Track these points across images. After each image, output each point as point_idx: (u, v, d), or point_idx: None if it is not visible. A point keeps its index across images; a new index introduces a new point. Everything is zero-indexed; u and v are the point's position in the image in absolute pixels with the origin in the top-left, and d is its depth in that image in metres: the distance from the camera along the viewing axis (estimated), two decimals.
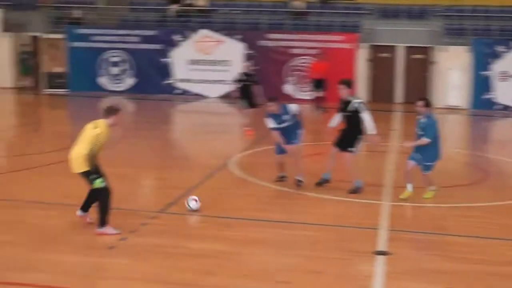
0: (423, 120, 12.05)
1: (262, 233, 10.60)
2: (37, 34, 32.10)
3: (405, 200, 12.30)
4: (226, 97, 28.71)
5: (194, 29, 30.14)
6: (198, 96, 29.71)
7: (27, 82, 31.63)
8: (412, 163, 12.29)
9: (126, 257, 9.27)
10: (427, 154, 12.12)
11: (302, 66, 28.66)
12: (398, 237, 10.45)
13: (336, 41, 28.49)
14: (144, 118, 24.92)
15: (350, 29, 29.22)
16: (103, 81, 31.07)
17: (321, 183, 13.17)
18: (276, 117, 12.86)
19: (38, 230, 10.26)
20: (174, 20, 31.36)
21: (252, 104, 20.01)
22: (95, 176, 9.82)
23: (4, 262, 9.10)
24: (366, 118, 12.57)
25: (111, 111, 10.07)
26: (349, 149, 12.80)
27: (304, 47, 28.81)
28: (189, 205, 11.37)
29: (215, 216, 11.30)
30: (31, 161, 14.77)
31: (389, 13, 29.83)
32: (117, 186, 13.33)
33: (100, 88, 30.85)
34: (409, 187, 12.38)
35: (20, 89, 31.33)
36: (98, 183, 9.86)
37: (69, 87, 31.03)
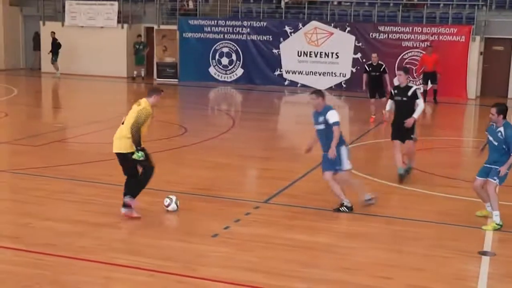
0: (501, 129, 10.41)
1: (364, 227, 10.55)
2: (151, 25, 32.97)
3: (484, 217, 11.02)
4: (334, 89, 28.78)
5: (304, 21, 30.15)
6: (306, 88, 29.68)
7: (140, 72, 32.49)
8: (482, 179, 10.70)
9: (228, 246, 9.40)
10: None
11: (413, 59, 28.14)
12: (504, 238, 10.14)
13: (448, 33, 27.78)
14: (251, 109, 25.17)
15: (463, 21, 28.46)
16: (213, 71, 31.55)
17: (402, 177, 13.02)
18: (315, 114, 11.06)
19: (142, 215, 10.53)
20: (285, 12, 31.46)
21: (380, 94, 20.25)
22: (138, 148, 10.16)
23: (108, 243, 9.42)
24: (421, 104, 12.85)
25: (153, 91, 10.59)
26: (411, 136, 12.90)
27: (415, 39, 28.27)
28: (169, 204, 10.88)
29: (318, 208, 11.31)
30: None
31: (505, 5, 28.79)
32: (222, 175, 13.62)
33: (210, 78, 31.36)
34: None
35: (133, 79, 32.26)
36: (137, 156, 10.18)
37: (180, 77, 31.73)
